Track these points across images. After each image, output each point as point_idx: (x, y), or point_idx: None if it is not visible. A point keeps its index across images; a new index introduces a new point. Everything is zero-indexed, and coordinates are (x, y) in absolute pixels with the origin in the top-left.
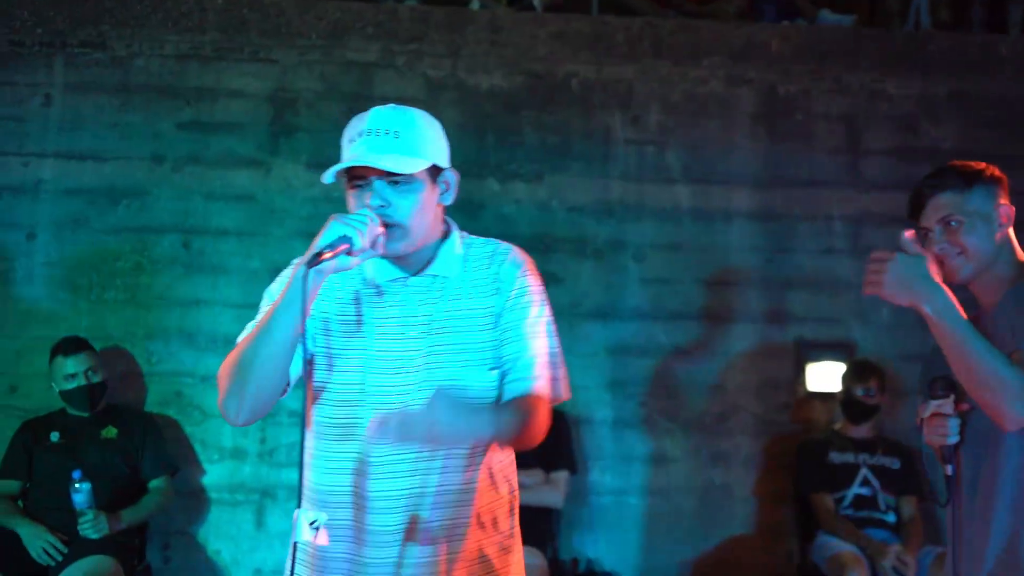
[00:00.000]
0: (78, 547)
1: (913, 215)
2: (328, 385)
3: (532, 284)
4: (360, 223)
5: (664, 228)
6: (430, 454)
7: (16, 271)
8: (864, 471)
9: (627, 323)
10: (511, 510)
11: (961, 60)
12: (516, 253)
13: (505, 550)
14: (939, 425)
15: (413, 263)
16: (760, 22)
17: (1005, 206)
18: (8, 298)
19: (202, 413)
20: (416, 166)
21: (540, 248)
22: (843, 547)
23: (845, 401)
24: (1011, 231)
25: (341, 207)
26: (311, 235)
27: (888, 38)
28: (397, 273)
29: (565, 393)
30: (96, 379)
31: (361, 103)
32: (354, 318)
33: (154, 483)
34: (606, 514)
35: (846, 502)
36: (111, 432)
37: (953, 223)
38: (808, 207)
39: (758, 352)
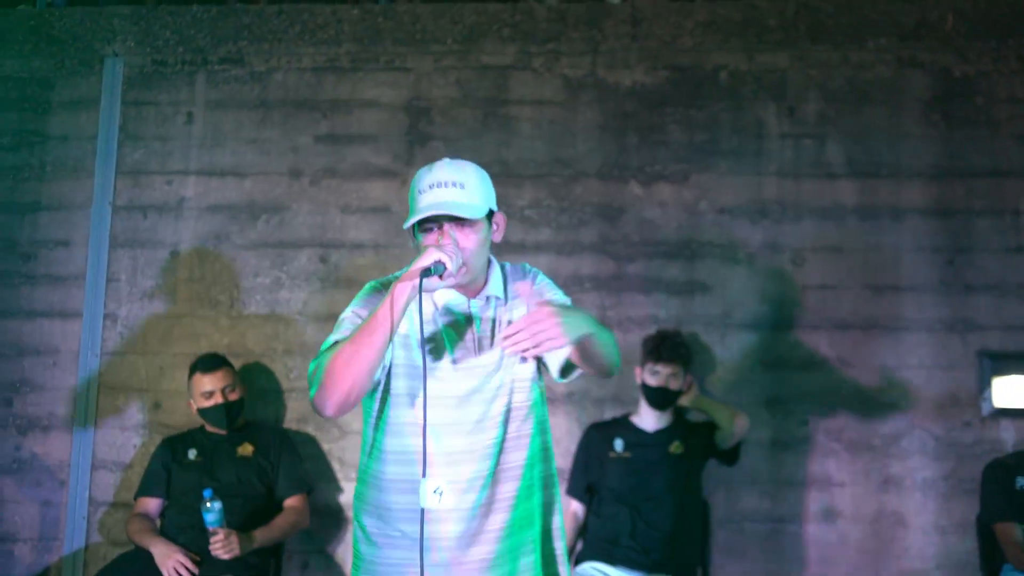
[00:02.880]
0: (209, 567)
1: None
2: (406, 390)
3: (547, 282)
4: (448, 252)
5: (825, 228)
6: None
7: (160, 288)
8: None
9: (785, 334)
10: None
11: None
12: (526, 264)
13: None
14: None
15: (471, 289)
16: None
17: None
18: (152, 315)
19: (340, 430)
20: (479, 212)
21: (687, 254)
22: None
23: None
24: None
25: None
26: None
27: None
28: (460, 297)
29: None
30: (233, 396)
31: (497, 107)
32: (431, 335)
33: (289, 502)
34: (763, 542)
35: None
36: (247, 449)
37: None
38: (991, 201)
39: (936, 365)
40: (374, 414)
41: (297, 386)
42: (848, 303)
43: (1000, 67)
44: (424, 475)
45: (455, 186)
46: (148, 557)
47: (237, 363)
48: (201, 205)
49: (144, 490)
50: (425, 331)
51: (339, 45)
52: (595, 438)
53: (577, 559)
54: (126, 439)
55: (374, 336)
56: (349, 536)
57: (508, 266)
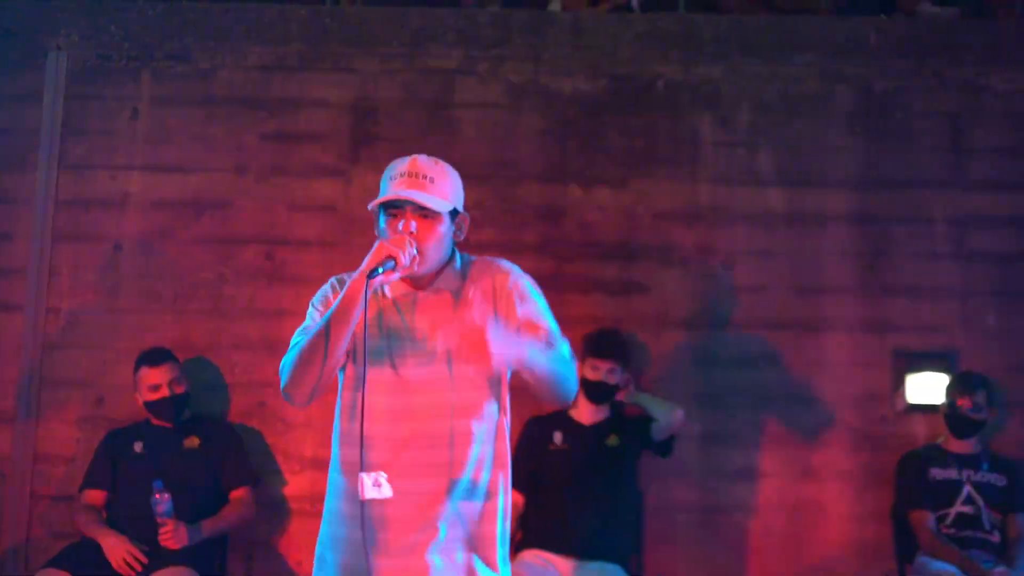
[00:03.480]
0: (158, 557)
1: None
2: (361, 376)
3: (527, 283)
4: (401, 246)
5: (755, 233)
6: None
7: (104, 282)
8: (968, 488)
9: (716, 333)
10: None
11: None
12: (505, 262)
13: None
14: None
15: (423, 282)
16: (856, 16)
17: None
18: (96, 309)
19: (284, 424)
20: (444, 207)
21: (624, 255)
22: (944, 569)
23: (949, 415)
24: None
25: None
26: None
27: (993, 30)
28: (408, 289)
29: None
30: (179, 390)
31: (442, 111)
32: (378, 325)
33: (235, 494)
34: (692, 532)
35: (948, 521)
36: (194, 442)
37: None
38: (909, 209)
39: (855, 363)
40: (338, 396)
41: (241, 381)
42: (775, 304)
43: (918, 83)
44: (362, 468)
45: (425, 179)
46: (96, 548)
47: (181, 358)
48: (145, 200)
49: (90, 482)
50: (374, 322)
51: (286, 44)
52: (535, 431)
53: (517, 547)
54: (68, 433)
55: (329, 334)
56: (292, 528)
57: (475, 260)
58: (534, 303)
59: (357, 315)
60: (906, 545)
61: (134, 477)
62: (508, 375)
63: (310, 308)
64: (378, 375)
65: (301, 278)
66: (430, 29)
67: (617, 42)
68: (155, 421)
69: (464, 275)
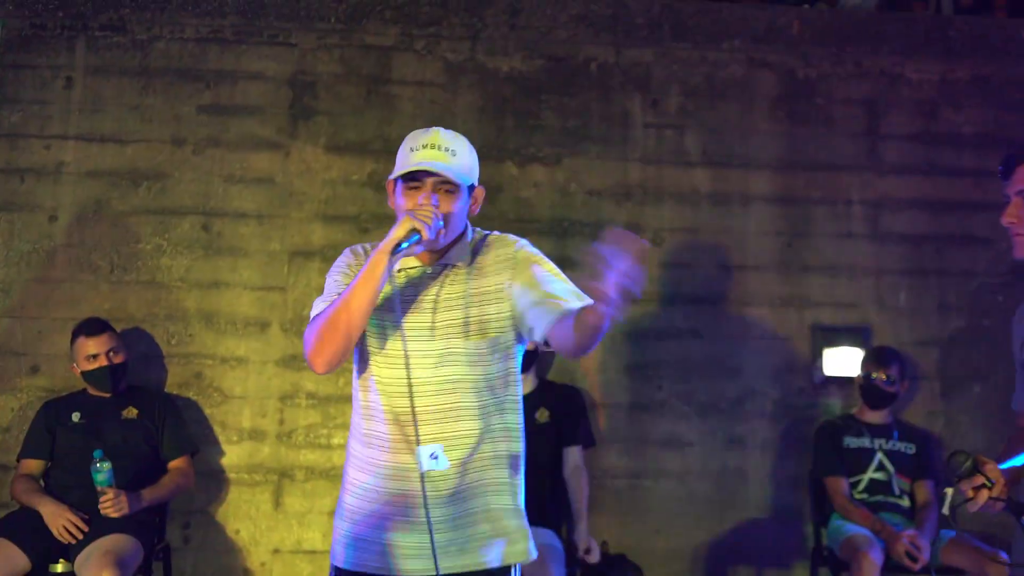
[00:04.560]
0: (98, 525)
1: (1001, 177)
2: (377, 349)
3: (536, 250)
4: (426, 218)
5: (682, 212)
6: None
7: (38, 253)
8: (879, 456)
9: (645, 307)
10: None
11: (983, 45)
12: (513, 235)
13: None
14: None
15: (435, 255)
16: (781, 5)
17: None
18: (30, 279)
19: (221, 394)
20: (465, 180)
21: (558, 232)
22: (857, 531)
23: (864, 387)
24: None
25: (359, 190)
26: (329, 218)
27: (910, 22)
28: (417, 262)
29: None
30: (117, 360)
31: (380, 87)
32: (390, 297)
33: (174, 463)
34: (621, 497)
35: (861, 486)
36: (132, 412)
37: None
38: (827, 191)
39: (775, 336)
40: (354, 369)
41: (178, 352)
42: (701, 280)
43: (838, 71)
44: (417, 441)
45: (447, 151)
46: (36, 516)
47: (118, 328)
48: (80, 170)
49: (27, 452)
50: (386, 295)
51: (223, 17)
52: None
53: None
54: (3, 402)
55: (351, 305)
56: (230, 497)
57: (487, 234)
58: (549, 265)
59: (381, 288)
60: (822, 509)
61: (73, 447)
62: (523, 344)
63: (328, 279)
64: (389, 348)
65: (238, 250)
66: (368, 5)
67: (553, 24)
68: (93, 391)
69: (476, 249)
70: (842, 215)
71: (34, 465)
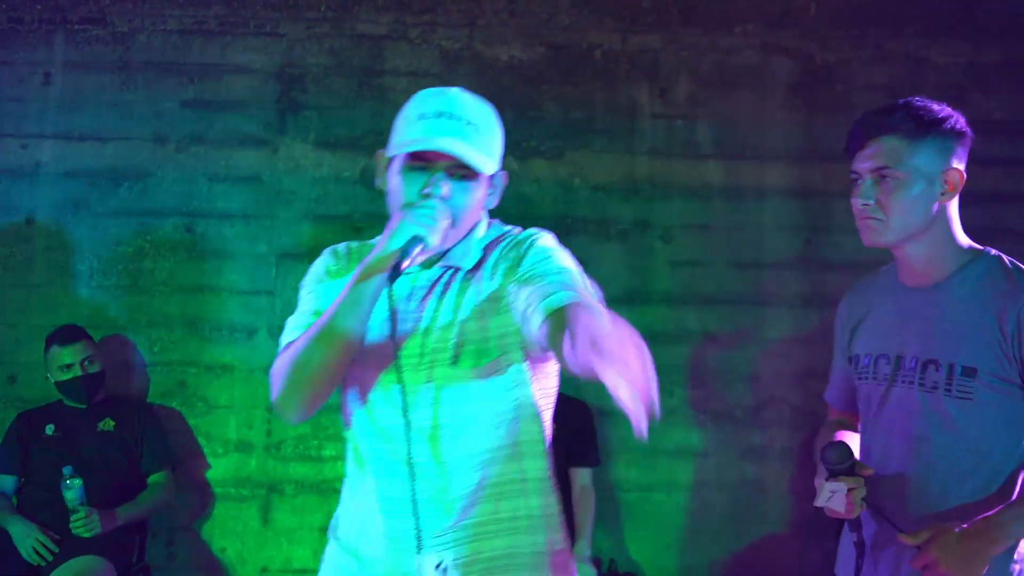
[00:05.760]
0: (70, 546)
1: (848, 151)
2: (361, 376)
3: (547, 243)
4: (431, 219)
5: (694, 207)
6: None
7: (15, 257)
8: None
9: (654, 308)
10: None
11: (1014, 25)
12: (533, 229)
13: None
14: (841, 504)
15: (437, 254)
16: None
17: (956, 171)
18: (7, 284)
19: (206, 404)
20: (490, 167)
21: (561, 229)
22: None
23: None
24: (953, 203)
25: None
26: (320, 217)
27: (934, 3)
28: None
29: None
30: (93, 369)
31: (372, 78)
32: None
33: (153, 478)
34: (631, 511)
35: None
36: (108, 424)
37: (888, 178)
38: (848, 184)
39: (795, 339)
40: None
41: (161, 360)
42: (714, 279)
43: (859, 55)
44: (418, 547)
45: (470, 125)
46: (5, 536)
47: (98, 335)
48: (59, 170)
49: None
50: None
51: (207, 8)
52: None
53: None
54: None
55: (334, 335)
56: (216, 513)
57: (510, 232)
58: (562, 257)
59: (371, 310)
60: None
61: (46, 461)
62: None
63: (303, 292)
64: (369, 383)
65: (223, 252)
66: None
67: (555, 9)
68: (68, 402)
69: (489, 248)
70: None
71: (5, 481)
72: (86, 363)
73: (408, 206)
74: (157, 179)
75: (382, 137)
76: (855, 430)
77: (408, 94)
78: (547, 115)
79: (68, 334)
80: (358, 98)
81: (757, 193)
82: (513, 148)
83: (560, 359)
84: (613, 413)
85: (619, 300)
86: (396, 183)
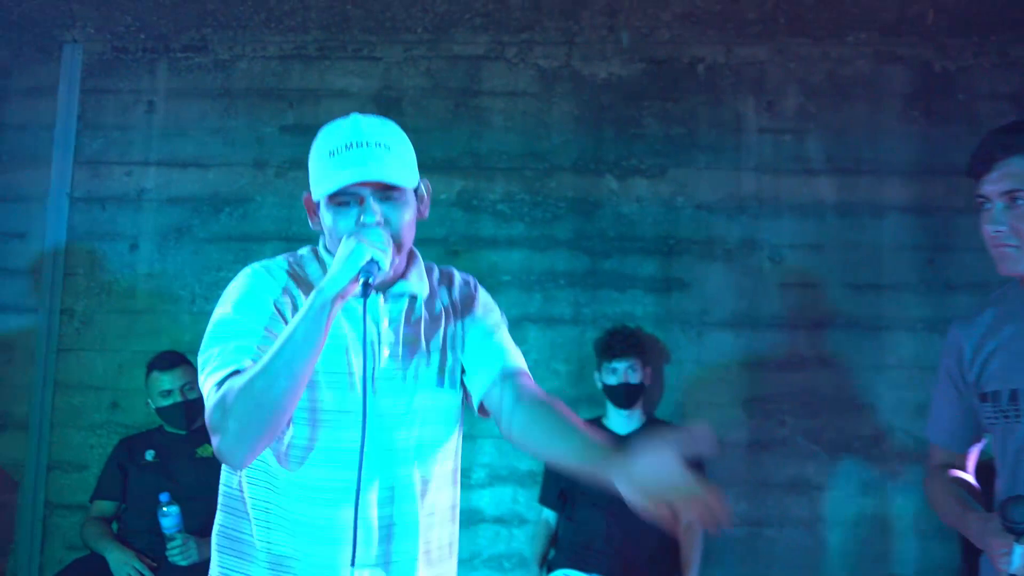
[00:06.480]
0: (166, 574)
1: (974, 173)
2: (311, 408)
3: (487, 297)
4: (381, 244)
5: (805, 225)
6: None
7: (119, 283)
8: None
9: (764, 333)
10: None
11: None
12: (464, 274)
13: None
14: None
15: (384, 282)
16: None
17: None
18: (110, 310)
19: None
20: (411, 180)
21: (663, 250)
22: None
23: None
24: None
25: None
26: (417, 241)
27: None
28: (357, 291)
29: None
30: (193, 395)
31: (469, 99)
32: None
33: None
34: (740, 547)
35: None
36: (207, 451)
37: (1020, 201)
38: (972, 198)
39: (917, 365)
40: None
41: None
42: (828, 301)
43: (981, 62)
44: (353, 562)
45: (379, 147)
46: (103, 562)
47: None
48: (162, 197)
49: (100, 493)
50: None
51: (306, 33)
52: None
53: (550, 566)
54: (83, 439)
55: (293, 367)
56: None
57: (435, 265)
58: (497, 314)
59: (320, 340)
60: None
61: (145, 487)
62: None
63: (235, 316)
64: (330, 403)
65: None
66: (456, 13)
67: (655, 23)
68: (168, 428)
69: (432, 278)
70: None
71: (106, 507)
72: (185, 389)
73: (355, 233)
74: (257, 204)
75: (479, 159)
76: (967, 471)
77: (505, 114)
78: (648, 132)
79: (168, 360)
80: (454, 119)
81: (873, 210)
82: (613, 167)
83: (496, 419)
84: (721, 444)
85: (725, 324)
86: (330, 222)
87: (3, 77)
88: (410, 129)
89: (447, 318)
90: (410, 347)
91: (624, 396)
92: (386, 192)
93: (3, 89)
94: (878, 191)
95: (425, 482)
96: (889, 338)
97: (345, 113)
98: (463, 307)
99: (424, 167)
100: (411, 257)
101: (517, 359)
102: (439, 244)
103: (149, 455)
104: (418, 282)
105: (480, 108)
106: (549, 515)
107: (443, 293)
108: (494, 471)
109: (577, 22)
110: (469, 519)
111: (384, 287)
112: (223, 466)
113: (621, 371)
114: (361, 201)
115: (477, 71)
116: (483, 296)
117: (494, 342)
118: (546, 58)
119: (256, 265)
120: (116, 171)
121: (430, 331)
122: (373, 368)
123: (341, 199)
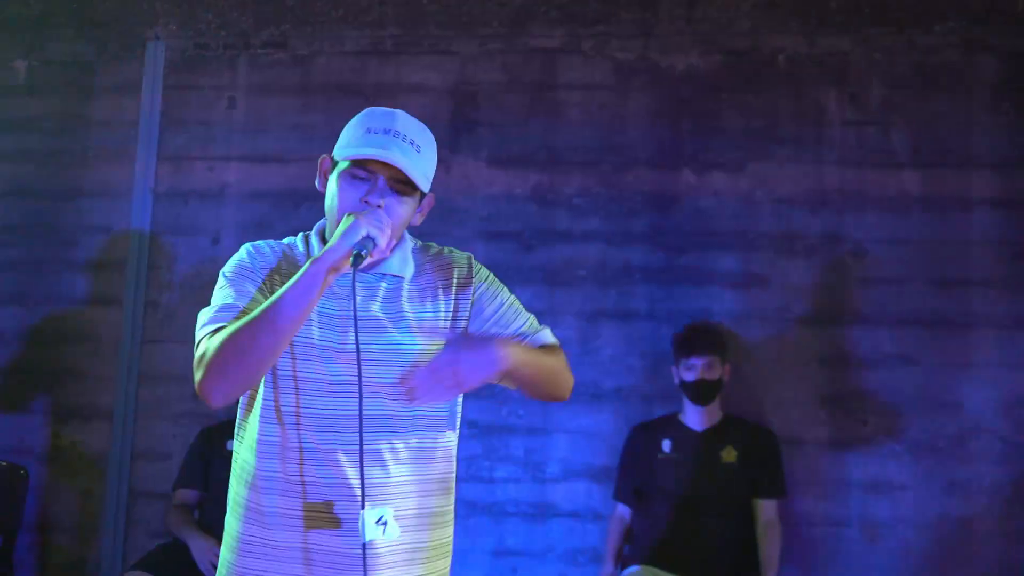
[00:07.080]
0: None
1: None
2: (292, 374)
3: (490, 274)
4: (380, 224)
5: (889, 220)
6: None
7: (201, 276)
8: None
9: (846, 330)
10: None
11: None
12: (460, 252)
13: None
14: None
15: (368, 264)
16: None
17: None
18: (193, 303)
19: None
20: (425, 186)
21: (742, 245)
22: None
23: None
24: None
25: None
26: (492, 235)
27: None
28: (346, 270)
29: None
30: None
31: (545, 92)
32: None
33: None
34: (820, 547)
35: None
36: None
37: None
38: None
39: (1005, 363)
40: (258, 395)
41: None
42: (912, 297)
43: None
44: (362, 503)
45: (412, 145)
46: (185, 550)
47: None
48: (243, 191)
49: (182, 481)
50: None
51: (383, 28)
52: (642, 439)
53: (624, 563)
54: (166, 429)
55: (278, 324)
56: None
57: (424, 246)
58: (504, 294)
59: (310, 304)
60: None
61: (226, 477)
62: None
63: (228, 286)
64: (309, 374)
65: None
66: (531, 7)
67: (734, 14)
68: None
69: (417, 261)
70: None
71: (188, 495)
72: None
73: (358, 210)
74: None
75: (554, 153)
76: None
77: (581, 108)
78: (727, 125)
79: None
80: (530, 114)
81: (961, 204)
82: (690, 160)
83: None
84: (801, 442)
85: (807, 320)
86: (335, 187)
87: (89, 74)
88: (486, 124)
89: (424, 294)
90: (393, 324)
91: (701, 392)
92: (400, 184)
93: (89, 86)
94: (965, 185)
95: (417, 450)
96: (975, 335)
97: (421, 107)
98: (453, 288)
99: (499, 162)
100: (400, 241)
101: (537, 332)
102: (514, 238)
103: (230, 445)
104: (400, 264)
105: (556, 102)
106: (624, 510)
107: (432, 274)
108: (568, 465)
109: (654, 13)
110: (543, 513)
111: (369, 267)
112: (235, 439)
113: (699, 367)
114: (374, 182)
115: (553, 64)
116: (474, 274)
117: (505, 320)
118: (622, 51)
119: (249, 244)
120: (198, 166)
121: (407, 311)
122: (356, 340)
123: (357, 172)
